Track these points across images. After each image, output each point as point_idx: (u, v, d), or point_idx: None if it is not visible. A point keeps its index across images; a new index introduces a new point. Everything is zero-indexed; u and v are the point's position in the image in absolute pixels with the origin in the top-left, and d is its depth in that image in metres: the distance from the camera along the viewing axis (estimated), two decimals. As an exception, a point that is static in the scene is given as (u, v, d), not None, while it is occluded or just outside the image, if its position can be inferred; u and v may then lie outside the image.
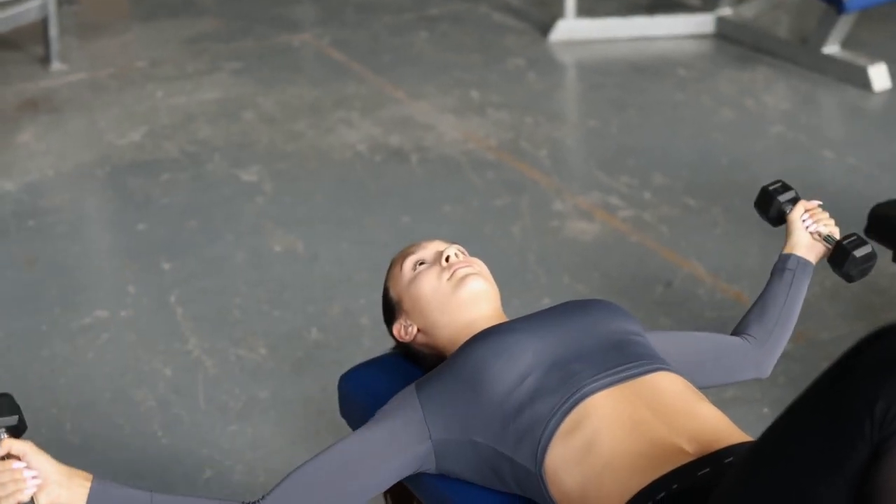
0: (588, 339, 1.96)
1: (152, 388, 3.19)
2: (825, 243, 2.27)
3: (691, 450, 1.77)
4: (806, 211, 2.29)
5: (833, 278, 3.57)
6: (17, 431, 1.84)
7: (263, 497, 1.87)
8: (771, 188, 2.35)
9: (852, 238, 2.22)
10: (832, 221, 2.29)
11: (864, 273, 2.23)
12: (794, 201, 2.32)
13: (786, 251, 2.27)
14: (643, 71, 5.37)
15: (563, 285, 3.63)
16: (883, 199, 3.10)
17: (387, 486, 1.95)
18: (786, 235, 2.30)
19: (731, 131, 4.70)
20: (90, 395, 3.17)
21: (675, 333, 2.20)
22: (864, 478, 1.44)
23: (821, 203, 2.33)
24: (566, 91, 5.41)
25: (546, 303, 3.47)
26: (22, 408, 3.18)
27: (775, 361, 2.25)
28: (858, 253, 2.19)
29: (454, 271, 2.10)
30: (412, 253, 2.17)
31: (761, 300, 2.25)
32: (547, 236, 3.96)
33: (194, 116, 5.01)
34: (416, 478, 2.04)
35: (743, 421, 1.97)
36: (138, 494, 1.83)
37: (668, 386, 1.90)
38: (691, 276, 3.66)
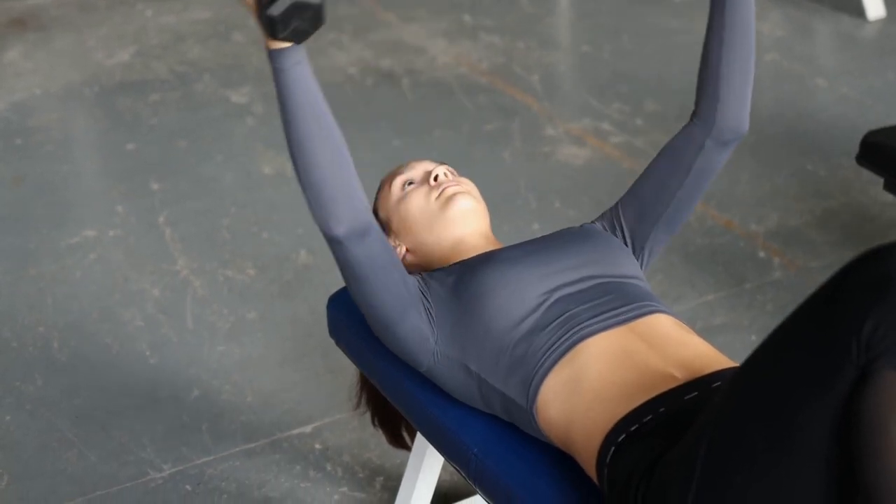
0: (588, 279, 1.94)
1: (140, 308, 3.18)
2: None
3: (680, 376, 1.77)
4: None
5: (823, 205, 3.59)
6: None
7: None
8: None
9: None
10: None
11: None
12: None
13: None
14: (637, -4, 5.32)
15: (553, 210, 3.62)
16: (875, 127, 3.09)
17: (407, 318, 1.92)
18: None
19: (725, 58, 4.66)
20: (78, 315, 3.16)
21: (634, 191, 2.08)
22: (850, 399, 1.44)
23: None
24: (559, 16, 5.37)
25: (536, 228, 3.46)
26: (9, 326, 3.20)
27: (747, 108, 1.99)
28: None
29: (442, 190, 2.09)
30: (401, 173, 2.16)
31: (703, 46, 1.96)
32: (538, 161, 3.94)
33: (184, 36, 4.97)
34: (405, 398, 2.05)
35: (730, 348, 1.98)
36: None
37: (661, 323, 1.89)
38: (682, 203, 3.65)
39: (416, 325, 1.92)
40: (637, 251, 2.10)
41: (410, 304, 1.91)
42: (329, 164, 1.78)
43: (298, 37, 1.68)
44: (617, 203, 2.12)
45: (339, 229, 1.79)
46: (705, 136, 2.00)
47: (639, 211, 2.08)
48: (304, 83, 1.76)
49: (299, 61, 1.74)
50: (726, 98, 1.97)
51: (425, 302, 1.93)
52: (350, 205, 1.79)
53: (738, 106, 1.98)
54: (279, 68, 1.73)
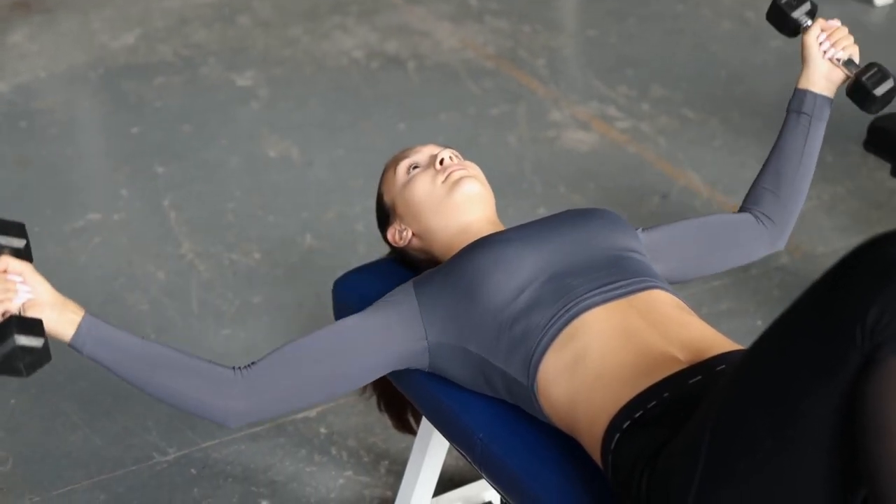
0: (586, 253, 1.94)
1: (145, 292, 3.18)
2: (845, 70, 2.09)
3: (683, 358, 1.77)
4: (823, 31, 2.11)
5: (830, 191, 3.59)
6: (20, 255, 1.77)
7: (252, 364, 1.84)
8: (783, 1, 2.14)
9: (872, 72, 2.05)
10: (851, 40, 2.10)
11: (885, 105, 2.07)
12: (811, 14, 2.12)
13: (800, 86, 2.13)
14: (643, -19, 5.31)
15: (558, 195, 3.61)
16: (882, 112, 3.08)
17: (375, 376, 1.94)
18: (801, 60, 2.12)
19: (731, 44, 4.66)
20: (83, 298, 3.11)
21: (680, 224, 2.16)
22: (854, 386, 1.44)
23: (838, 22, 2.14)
24: (565, 0, 5.35)
25: (542, 212, 3.46)
26: (14, 309, 3.17)
27: (791, 230, 2.18)
28: (879, 91, 2.04)
29: (448, 174, 2.08)
30: (406, 157, 2.15)
31: (775, 160, 2.15)
32: (543, 146, 3.93)
33: (189, 19, 4.95)
34: (411, 382, 2.05)
35: (735, 333, 1.97)
36: (129, 337, 1.80)
37: (661, 300, 1.89)
38: (688, 188, 3.64)
39: (390, 356, 1.92)
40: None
41: (364, 362, 1.90)
42: (180, 388, 1.80)
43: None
44: (643, 228, 2.13)
45: (231, 422, 1.83)
46: (764, 229, 2.16)
47: (667, 241, 2.12)
48: (106, 351, 1.78)
49: (86, 341, 1.76)
50: (791, 208, 2.15)
51: (402, 314, 1.92)
52: (222, 402, 1.81)
53: (792, 220, 2.18)
54: (84, 355, 1.76)
